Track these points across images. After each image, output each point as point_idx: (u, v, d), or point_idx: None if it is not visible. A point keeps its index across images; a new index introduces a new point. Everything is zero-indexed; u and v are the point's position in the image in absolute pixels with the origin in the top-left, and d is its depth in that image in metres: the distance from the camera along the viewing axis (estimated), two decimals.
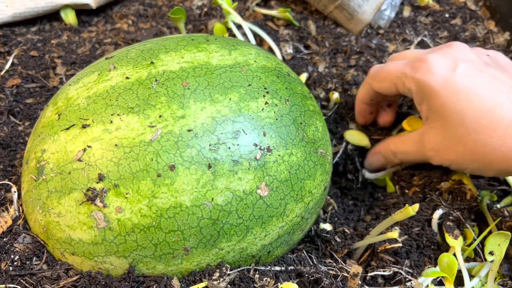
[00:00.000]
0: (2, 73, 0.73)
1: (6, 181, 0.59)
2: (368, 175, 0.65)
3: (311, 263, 0.56)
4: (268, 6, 0.87)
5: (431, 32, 0.83)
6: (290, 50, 0.80)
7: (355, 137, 0.67)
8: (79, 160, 0.48)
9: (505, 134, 0.49)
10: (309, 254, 0.58)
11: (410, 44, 0.82)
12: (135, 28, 0.85)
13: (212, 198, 0.47)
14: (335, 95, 0.69)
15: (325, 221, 0.62)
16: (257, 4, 0.87)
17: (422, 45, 0.81)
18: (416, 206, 0.50)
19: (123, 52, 0.55)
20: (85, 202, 0.47)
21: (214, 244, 0.49)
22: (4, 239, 0.53)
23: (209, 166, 0.47)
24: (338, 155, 0.68)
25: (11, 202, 0.57)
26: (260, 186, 0.49)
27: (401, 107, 0.72)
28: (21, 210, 0.55)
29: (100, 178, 0.47)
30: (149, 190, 0.46)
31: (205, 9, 0.86)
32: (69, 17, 0.86)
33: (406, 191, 0.63)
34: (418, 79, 0.55)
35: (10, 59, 0.75)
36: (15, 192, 0.56)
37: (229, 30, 0.78)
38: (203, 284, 0.48)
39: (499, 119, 0.49)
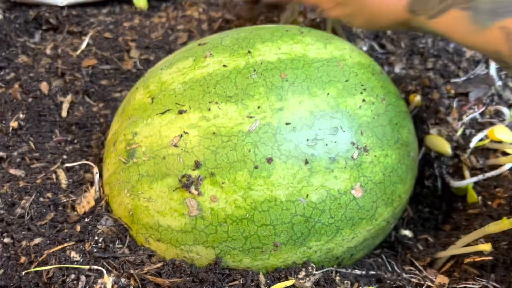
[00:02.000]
0: (78, 52, 0.73)
1: (85, 161, 0.58)
2: (453, 183, 0.63)
3: (391, 270, 0.54)
4: None
5: None
6: (365, 48, 0.77)
7: (435, 142, 0.65)
8: (175, 145, 0.47)
9: None
10: (388, 260, 0.56)
11: None
12: (206, 16, 0.84)
13: (307, 195, 0.46)
14: (417, 98, 0.67)
15: (402, 227, 0.60)
16: None
17: None
18: None
19: (217, 39, 0.54)
20: (179, 188, 0.46)
21: (304, 242, 0.48)
22: (86, 220, 0.52)
23: (306, 162, 0.46)
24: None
25: (91, 183, 0.56)
26: (355, 186, 0.48)
27: None
28: (102, 192, 0.55)
29: (197, 165, 0.46)
30: (245, 181, 0.45)
31: None
32: (140, 1, 0.86)
33: (489, 202, 0.61)
34: None
35: (86, 39, 0.75)
36: (96, 173, 0.56)
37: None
38: (290, 282, 0.47)
39: None
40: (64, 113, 0.66)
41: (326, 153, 0.47)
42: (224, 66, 0.50)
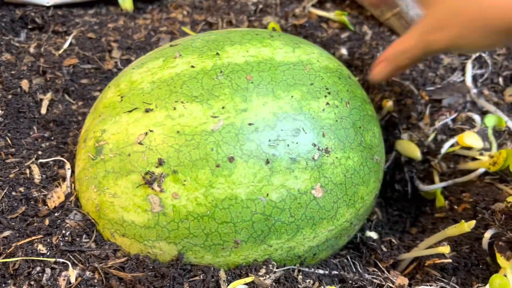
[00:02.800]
0: (60, 52, 0.75)
1: (59, 157, 0.60)
2: (422, 187, 0.64)
3: (355, 270, 0.55)
4: (324, 8, 0.86)
5: None
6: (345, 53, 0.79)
7: (406, 147, 0.66)
8: (140, 143, 0.48)
9: None
10: (353, 261, 0.57)
11: (466, 58, 0.80)
12: (190, 19, 0.85)
13: (267, 194, 0.47)
14: (389, 103, 0.68)
15: (370, 229, 0.61)
16: (313, 5, 0.86)
17: (479, 60, 0.79)
18: (472, 223, 0.49)
19: (188, 41, 0.56)
20: (142, 185, 0.47)
21: (264, 240, 0.49)
22: (56, 214, 0.54)
23: (267, 162, 0.47)
24: (387, 164, 0.67)
25: (63, 178, 0.58)
26: (315, 187, 0.49)
27: None
28: (73, 187, 0.56)
29: (160, 163, 0.47)
30: (207, 179, 0.46)
31: (261, 6, 0.86)
32: (126, 3, 0.87)
33: (456, 207, 0.62)
34: None
35: (69, 39, 0.77)
36: (68, 169, 0.57)
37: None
38: (249, 279, 0.48)
39: None
40: (43, 110, 0.67)
41: (287, 153, 0.48)
42: (192, 67, 0.51)
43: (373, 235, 0.59)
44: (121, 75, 0.56)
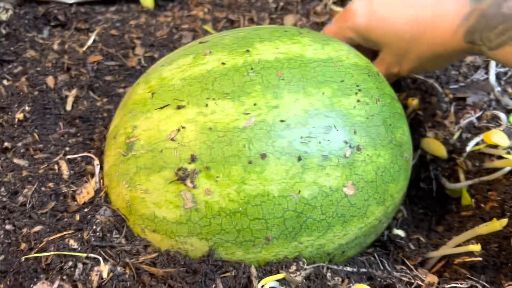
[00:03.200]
0: (84, 49, 0.75)
1: (87, 154, 0.60)
2: (448, 185, 0.64)
3: (383, 268, 0.55)
4: (345, 5, 0.86)
5: None
6: None
7: (431, 145, 0.66)
8: (172, 139, 0.48)
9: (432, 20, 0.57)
10: (380, 259, 0.57)
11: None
12: (211, 16, 0.85)
13: (299, 191, 0.47)
14: (415, 101, 0.68)
15: (396, 227, 0.61)
16: (334, 3, 0.86)
17: None
18: (505, 221, 0.49)
19: (217, 38, 0.56)
20: (175, 181, 0.48)
21: (295, 237, 0.49)
22: (86, 210, 0.54)
23: (299, 159, 0.47)
24: (412, 162, 0.67)
25: (92, 174, 0.58)
26: (346, 184, 0.49)
27: None
28: (102, 183, 0.57)
29: (193, 159, 0.47)
30: (239, 175, 0.47)
31: (282, 3, 0.86)
32: (147, 0, 0.87)
33: (482, 205, 0.61)
34: (351, 27, 0.63)
35: (92, 36, 0.77)
36: (97, 165, 0.57)
37: None
38: (280, 276, 0.48)
39: (420, 19, 0.59)
40: (68, 107, 0.68)
41: (319, 150, 0.48)
42: (223, 64, 0.51)
43: (400, 233, 0.59)
44: (150, 72, 0.56)
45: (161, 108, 0.50)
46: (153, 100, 0.52)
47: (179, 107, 0.49)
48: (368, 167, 0.50)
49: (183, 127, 0.48)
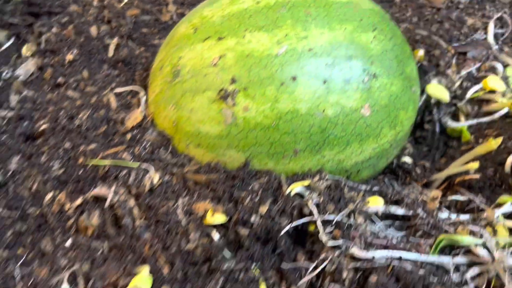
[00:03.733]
0: (122, 4, 0.83)
1: (132, 87, 0.68)
2: (450, 123, 0.71)
3: (392, 188, 0.63)
4: None
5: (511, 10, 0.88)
6: None
7: (435, 90, 0.74)
8: (215, 65, 0.56)
9: None
10: (390, 182, 0.65)
11: (489, 19, 0.87)
12: None
13: (324, 110, 0.55)
14: (420, 53, 0.76)
15: (403, 156, 0.69)
16: None
17: (500, 20, 0.87)
18: (499, 140, 0.57)
19: None
20: (217, 100, 0.56)
21: (319, 150, 0.57)
22: (135, 131, 0.62)
23: (324, 82, 0.55)
24: (418, 105, 0.75)
25: (138, 104, 0.66)
26: (364, 106, 0.57)
27: None
28: (146, 112, 0.64)
29: (233, 81, 0.55)
30: (273, 95, 0.54)
31: None
32: None
33: (481, 139, 0.69)
34: None
35: None
36: (143, 95, 0.65)
37: None
38: (306, 182, 0.56)
39: None
40: (110, 53, 0.75)
41: (341, 75, 0.56)
42: (257, 3, 0.59)
43: (408, 159, 0.67)
44: (192, 14, 0.64)
45: (204, 40, 0.58)
46: (196, 34, 0.59)
47: (219, 39, 0.57)
48: (383, 94, 0.58)
49: (224, 55, 0.56)
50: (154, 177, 0.57)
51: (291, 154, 0.56)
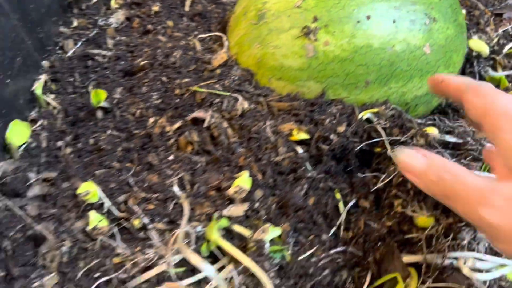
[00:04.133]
0: None
1: (216, 33, 0.77)
2: (490, 72, 0.81)
3: (445, 123, 0.73)
4: None
5: None
6: None
7: (477, 44, 0.83)
8: (298, 7, 0.65)
9: None
10: (441, 118, 0.74)
11: None
12: None
13: (393, 45, 0.64)
14: (463, 11, 0.85)
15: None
16: None
17: None
18: None
19: None
20: (300, 36, 0.65)
21: (386, 83, 0.66)
22: (222, 69, 0.71)
23: (394, 21, 0.64)
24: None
25: (221, 47, 0.75)
26: (425, 45, 0.66)
27: None
28: (229, 53, 0.73)
29: (315, 19, 0.64)
30: (350, 31, 0.64)
31: None
32: None
33: None
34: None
35: None
36: (226, 40, 0.75)
37: None
38: (375, 110, 0.65)
39: None
40: (187, 8, 0.85)
41: (408, 16, 0.65)
42: None
43: None
44: None
45: None
46: None
47: None
48: (441, 35, 0.67)
49: None
50: (243, 103, 0.66)
51: (363, 85, 0.66)
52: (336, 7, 0.64)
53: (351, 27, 0.64)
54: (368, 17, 0.64)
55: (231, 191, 0.58)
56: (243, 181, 0.59)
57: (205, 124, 0.65)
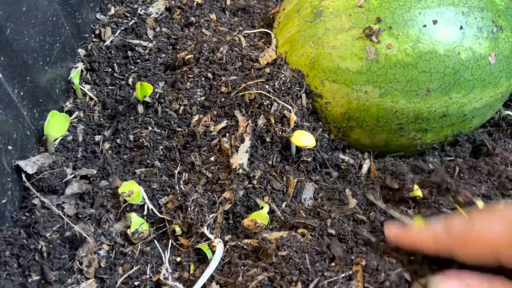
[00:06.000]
0: None
1: (263, 29, 0.73)
2: None
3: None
4: None
5: None
6: None
7: None
8: (360, 6, 0.62)
9: None
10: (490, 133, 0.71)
11: None
12: None
13: (459, 53, 0.61)
14: None
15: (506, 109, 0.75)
16: None
17: None
18: None
19: None
20: (362, 37, 0.61)
21: (448, 92, 0.62)
22: (271, 67, 0.67)
23: (461, 27, 0.61)
24: None
25: (268, 45, 0.71)
26: (491, 54, 0.62)
27: None
28: (277, 52, 0.69)
29: (378, 20, 0.60)
30: (415, 35, 0.60)
31: None
32: None
33: None
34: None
35: None
36: (274, 37, 0.70)
37: None
38: None
39: None
40: (228, 2, 0.80)
41: (475, 23, 0.61)
42: None
43: (511, 113, 0.72)
44: None
45: None
46: None
47: None
48: (506, 45, 0.63)
49: None
50: (292, 113, 0.62)
51: (424, 93, 0.62)
52: (401, 9, 0.60)
53: (416, 31, 0.60)
54: (435, 22, 0.60)
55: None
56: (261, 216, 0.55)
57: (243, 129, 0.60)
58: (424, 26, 0.60)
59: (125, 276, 0.52)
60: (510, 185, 0.63)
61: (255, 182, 0.57)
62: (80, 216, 0.54)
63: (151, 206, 0.55)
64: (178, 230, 0.56)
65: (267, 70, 0.66)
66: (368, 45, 0.61)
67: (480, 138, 0.71)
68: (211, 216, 0.55)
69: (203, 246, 0.53)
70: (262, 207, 0.56)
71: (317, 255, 0.51)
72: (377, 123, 0.64)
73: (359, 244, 0.57)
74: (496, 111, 0.72)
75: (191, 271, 0.52)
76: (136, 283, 0.52)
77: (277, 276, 0.48)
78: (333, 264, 0.50)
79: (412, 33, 0.60)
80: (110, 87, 0.66)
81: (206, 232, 0.52)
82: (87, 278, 0.51)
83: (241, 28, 0.74)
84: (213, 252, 0.52)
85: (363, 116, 0.64)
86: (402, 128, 0.65)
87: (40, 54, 0.57)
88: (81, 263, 0.52)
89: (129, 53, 0.69)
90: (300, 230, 0.54)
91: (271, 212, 0.56)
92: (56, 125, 0.56)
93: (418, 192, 0.59)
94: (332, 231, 0.53)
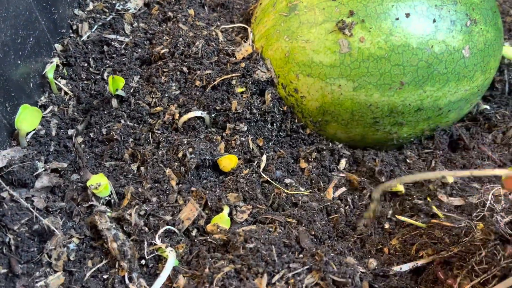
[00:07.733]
0: None
1: (239, 24, 0.73)
2: None
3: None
4: None
5: None
6: None
7: (508, 51, 0.79)
8: (333, 0, 0.61)
9: None
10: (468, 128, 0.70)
11: None
12: None
13: (432, 46, 0.61)
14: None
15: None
16: None
17: None
18: None
19: None
20: (335, 31, 0.61)
21: (422, 85, 0.62)
22: (247, 62, 0.66)
23: (434, 20, 0.60)
24: None
25: (245, 39, 0.71)
26: (465, 47, 0.62)
27: None
28: (254, 47, 0.69)
29: (351, 13, 0.60)
30: (388, 28, 0.60)
31: None
32: None
33: None
34: None
35: None
36: (251, 32, 0.70)
37: None
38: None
39: None
40: None
41: (448, 16, 0.61)
42: None
43: (488, 107, 0.72)
44: None
45: None
46: None
47: None
48: (480, 39, 0.63)
49: None
50: (267, 97, 0.62)
51: (397, 86, 0.62)
52: (374, 2, 0.60)
53: (389, 24, 0.60)
54: (408, 15, 0.60)
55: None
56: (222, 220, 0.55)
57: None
58: (397, 19, 0.60)
59: (94, 269, 0.52)
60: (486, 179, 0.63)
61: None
62: (50, 209, 0.54)
63: (115, 198, 0.55)
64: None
65: (242, 64, 0.66)
66: (341, 39, 0.61)
67: (457, 133, 0.71)
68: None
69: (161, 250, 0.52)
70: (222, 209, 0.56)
71: (284, 247, 0.51)
72: (352, 117, 0.64)
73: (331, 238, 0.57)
74: (474, 105, 0.72)
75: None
76: (105, 276, 0.52)
77: (243, 268, 0.48)
78: (300, 255, 0.50)
79: (384, 26, 0.60)
80: (85, 82, 0.66)
81: (158, 241, 0.52)
82: (56, 271, 0.51)
83: (219, 23, 0.74)
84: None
85: (338, 110, 0.64)
86: (377, 122, 0.65)
87: (11, 48, 0.57)
88: (49, 256, 0.52)
89: (105, 48, 0.69)
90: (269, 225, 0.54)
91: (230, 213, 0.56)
92: (27, 119, 0.56)
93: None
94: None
